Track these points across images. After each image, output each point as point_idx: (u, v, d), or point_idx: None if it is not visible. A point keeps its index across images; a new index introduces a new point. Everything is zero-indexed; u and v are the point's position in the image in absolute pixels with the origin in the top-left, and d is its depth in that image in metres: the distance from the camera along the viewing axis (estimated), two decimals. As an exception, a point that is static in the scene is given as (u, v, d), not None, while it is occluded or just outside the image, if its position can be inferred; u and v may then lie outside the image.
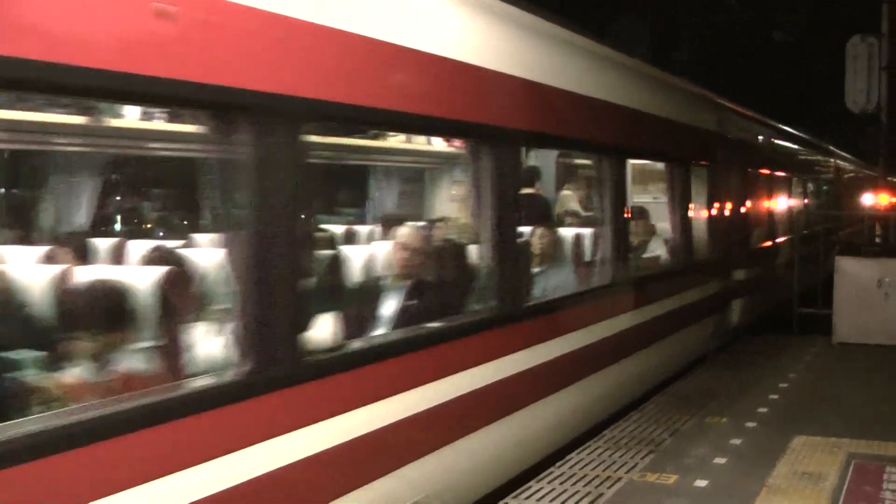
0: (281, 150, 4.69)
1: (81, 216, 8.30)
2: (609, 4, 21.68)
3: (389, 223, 8.61)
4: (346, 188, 11.33)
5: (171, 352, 5.21)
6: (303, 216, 4.99)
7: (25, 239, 7.57)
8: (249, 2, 4.52)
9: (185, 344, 5.26)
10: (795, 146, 21.21)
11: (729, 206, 13.64)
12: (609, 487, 6.76)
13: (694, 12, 23.81)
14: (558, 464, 7.32)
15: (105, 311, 5.07)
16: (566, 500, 6.53)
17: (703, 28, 24.56)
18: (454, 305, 6.89)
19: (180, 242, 7.50)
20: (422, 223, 8.30)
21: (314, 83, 5.00)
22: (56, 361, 4.94)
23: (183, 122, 6.95)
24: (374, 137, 9.57)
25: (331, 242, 7.60)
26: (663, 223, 11.45)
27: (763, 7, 24.23)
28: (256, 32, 4.59)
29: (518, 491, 6.70)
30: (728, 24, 25.38)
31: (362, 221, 10.48)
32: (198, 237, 7.54)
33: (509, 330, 7.00)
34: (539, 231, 8.89)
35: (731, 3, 23.07)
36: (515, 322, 7.09)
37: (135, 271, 5.76)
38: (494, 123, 6.87)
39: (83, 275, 5.63)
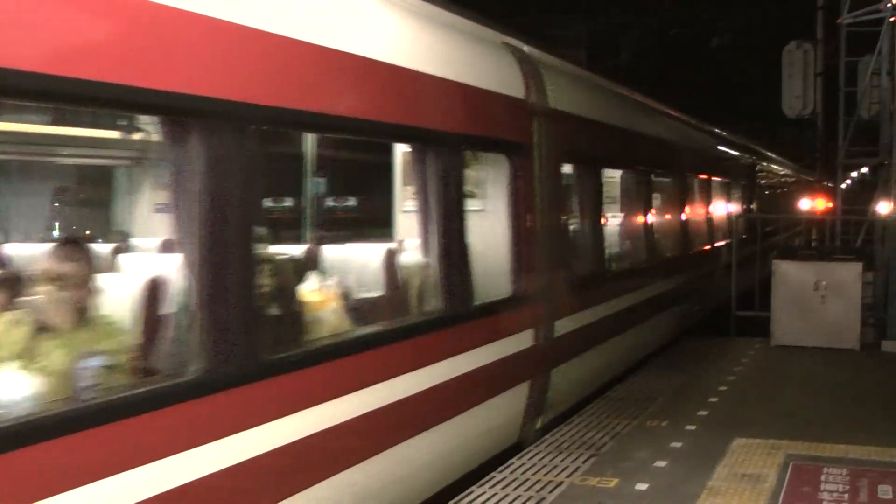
0: None
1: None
2: (548, 7, 21.76)
3: None
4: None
5: None
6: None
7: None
8: None
9: None
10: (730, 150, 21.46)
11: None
12: (550, 492, 6.74)
13: (631, 17, 24.02)
14: (500, 468, 7.29)
15: None
16: (507, 505, 6.50)
17: (641, 33, 24.78)
18: None
19: None
20: None
21: None
22: None
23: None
24: None
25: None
26: None
27: (700, 13, 24.50)
28: None
29: (460, 496, 6.65)
30: (665, 29, 25.65)
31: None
32: None
33: None
34: None
35: (669, 9, 23.32)
36: None
37: None
38: None
39: None
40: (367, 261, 7.08)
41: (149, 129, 8.11)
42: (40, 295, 4.82)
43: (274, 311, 5.63)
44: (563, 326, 8.84)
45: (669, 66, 27.75)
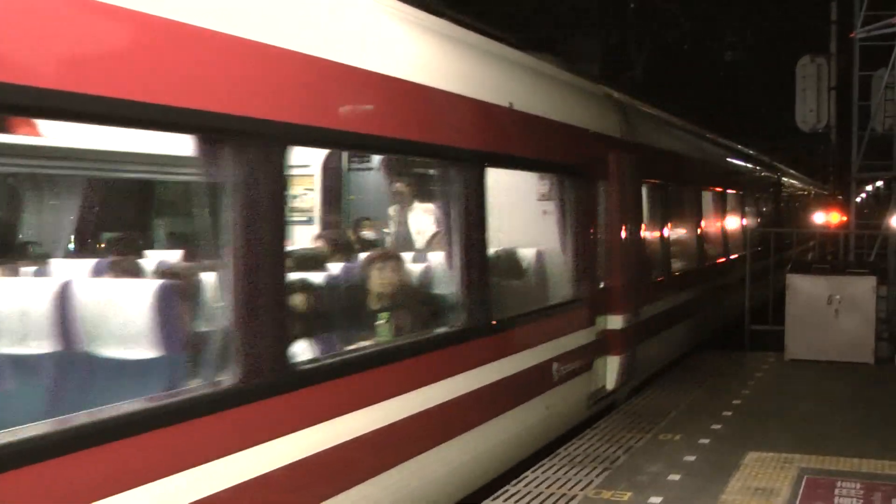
0: None
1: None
2: (561, 21, 21.83)
3: None
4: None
5: None
6: None
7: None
8: None
9: None
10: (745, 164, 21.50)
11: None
12: (564, 505, 6.77)
13: (644, 31, 24.09)
14: (513, 482, 7.31)
15: None
16: (521, 518, 6.52)
17: (655, 47, 24.84)
18: None
19: None
20: None
21: None
22: None
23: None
24: None
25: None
26: None
27: (714, 28, 24.54)
28: None
29: (473, 510, 6.69)
30: (679, 44, 25.71)
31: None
32: None
33: None
34: None
35: (683, 23, 23.36)
36: None
37: None
38: None
39: None
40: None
41: None
42: None
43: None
44: None
45: (683, 79, 27.78)
